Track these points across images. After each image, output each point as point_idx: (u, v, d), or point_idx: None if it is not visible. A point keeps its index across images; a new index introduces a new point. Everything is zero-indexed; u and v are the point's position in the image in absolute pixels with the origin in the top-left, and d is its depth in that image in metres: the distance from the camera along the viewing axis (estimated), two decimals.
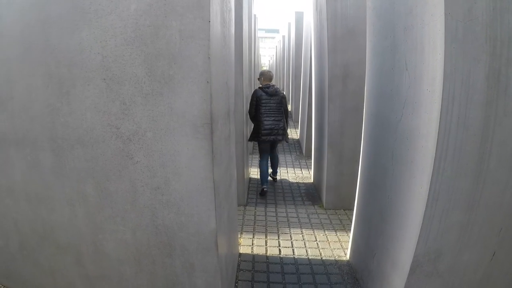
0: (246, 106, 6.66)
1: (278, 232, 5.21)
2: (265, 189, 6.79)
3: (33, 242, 2.84)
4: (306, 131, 9.36)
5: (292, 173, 8.36)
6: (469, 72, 2.34)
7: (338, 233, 5.26)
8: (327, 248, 4.76)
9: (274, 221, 5.64)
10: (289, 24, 18.23)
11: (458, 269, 2.78)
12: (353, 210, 4.43)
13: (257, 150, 8.27)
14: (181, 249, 2.62)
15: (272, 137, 6.64)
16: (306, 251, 4.66)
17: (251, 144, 9.61)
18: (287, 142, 7.15)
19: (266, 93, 6.59)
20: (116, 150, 2.44)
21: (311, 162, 8.05)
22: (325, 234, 5.19)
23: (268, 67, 47.93)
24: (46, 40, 2.37)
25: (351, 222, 4.50)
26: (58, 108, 2.44)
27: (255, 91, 6.65)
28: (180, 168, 2.43)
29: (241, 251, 4.56)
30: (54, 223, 2.72)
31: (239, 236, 4.95)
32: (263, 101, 6.58)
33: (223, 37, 2.86)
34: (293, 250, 4.68)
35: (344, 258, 4.49)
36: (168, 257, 2.65)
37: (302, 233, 5.21)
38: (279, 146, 10.47)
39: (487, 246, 2.74)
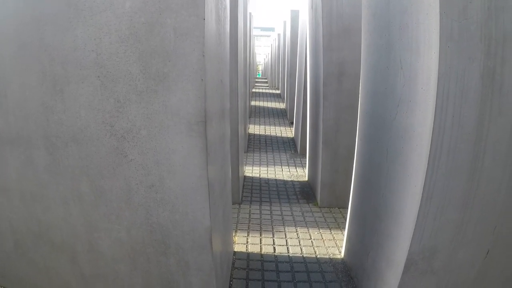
0: (241, 104, 6.65)
1: (273, 231, 5.21)
2: None
3: (28, 241, 2.83)
4: (301, 129, 9.36)
5: (287, 171, 8.36)
6: (464, 71, 2.35)
7: (332, 231, 5.27)
8: (321, 246, 4.76)
9: (269, 219, 5.64)
10: (285, 23, 18.25)
11: (453, 267, 2.80)
12: (347, 208, 4.43)
13: (252, 149, 8.35)
14: (175, 247, 2.61)
15: None
16: (301, 249, 4.67)
17: (246, 142, 9.65)
18: None
19: None
20: (110, 148, 2.44)
21: (305, 160, 8.06)
22: (320, 233, 5.20)
23: (263, 65, 48.03)
24: (40, 37, 2.36)
25: (346, 220, 4.51)
26: (52, 106, 2.43)
27: None
28: (174, 166, 2.42)
29: (235, 250, 4.55)
30: (49, 222, 2.71)
31: (233, 234, 4.95)
32: None
33: (218, 34, 2.86)
34: (287, 248, 4.68)
35: (338, 256, 4.50)
36: (162, 255, 2.65)
37: (296, 232, 5.21)
38: (274, 144, 10.64)
39: (481, 244, 2.76)
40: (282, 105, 17.95)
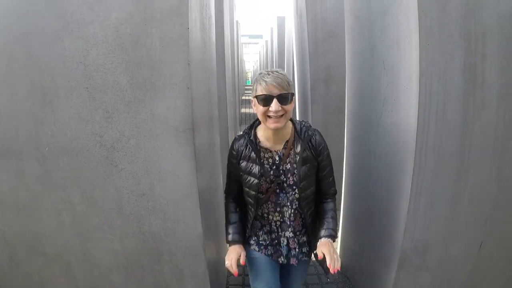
0: (230, 111, 6.67)
1: None
2: None
3: (22, 253, 2.82)
4: None
5: None
6: (445, 68, 2.40)
7: None
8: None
9: None
10: (272, 29, 18.35)
11: (446, 262, 2.83)
12: (340, 209, 4.45)
13: None
14: (169, 255, 2.62)
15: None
16: None
17: None
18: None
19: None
20: (100, 158, 2.45)
21: None
22: None
23: (252, 72, 47.97)
24: (29, 50, 2.37)
25: (339, 222, 4.52)
26: (42, 118, 2.44)
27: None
28: (164, 174, 2.44)
29: None
30: (42, 233, 2.70)
31: None
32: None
33: (203, 43, 2.89)
34: None
35: None
36: (156, 263, 2.65)
37: None
38: None
39: (474, 238, 2.79)
40: None
